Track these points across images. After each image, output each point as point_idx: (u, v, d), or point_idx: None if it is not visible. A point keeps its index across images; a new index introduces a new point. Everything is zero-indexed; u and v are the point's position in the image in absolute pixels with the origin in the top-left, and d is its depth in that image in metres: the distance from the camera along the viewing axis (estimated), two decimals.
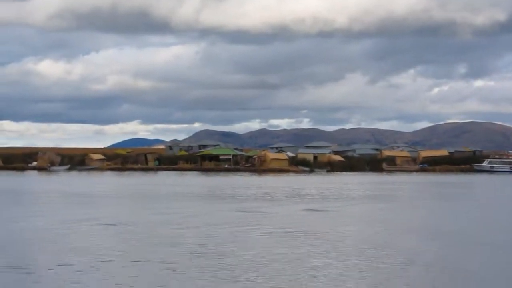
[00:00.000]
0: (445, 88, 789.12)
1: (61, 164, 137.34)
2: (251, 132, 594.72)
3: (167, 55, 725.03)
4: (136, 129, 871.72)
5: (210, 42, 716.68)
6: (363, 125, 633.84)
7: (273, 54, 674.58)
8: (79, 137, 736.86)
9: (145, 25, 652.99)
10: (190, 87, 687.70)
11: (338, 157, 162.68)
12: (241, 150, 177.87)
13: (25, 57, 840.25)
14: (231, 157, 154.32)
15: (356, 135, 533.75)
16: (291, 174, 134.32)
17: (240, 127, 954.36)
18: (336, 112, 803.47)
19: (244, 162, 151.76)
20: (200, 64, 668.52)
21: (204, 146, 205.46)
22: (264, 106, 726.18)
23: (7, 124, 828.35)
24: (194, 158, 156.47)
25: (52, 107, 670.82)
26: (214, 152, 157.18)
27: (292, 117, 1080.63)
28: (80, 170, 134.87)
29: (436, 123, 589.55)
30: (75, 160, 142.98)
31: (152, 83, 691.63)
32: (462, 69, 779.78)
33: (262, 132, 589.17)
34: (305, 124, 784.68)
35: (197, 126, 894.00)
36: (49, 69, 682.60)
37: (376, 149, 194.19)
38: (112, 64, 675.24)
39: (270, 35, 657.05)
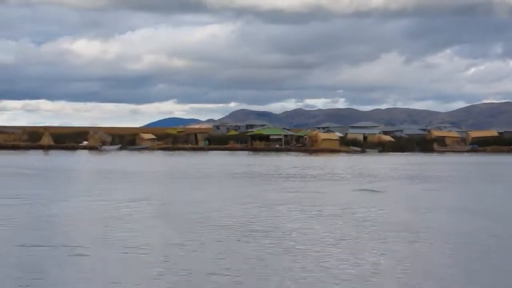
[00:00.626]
0: (481, 67, 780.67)
1: (112, 143, 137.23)
2: (286, 112, 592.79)
3: (203, 34, 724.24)
4: (171, 109, 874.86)
5: (246, 21, 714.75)
6: (399, 105, 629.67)
7: (309, 34, 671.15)
8: (115, 116, 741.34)
9: (181, 4, 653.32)
10: (226, 66, 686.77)
11: (388, 137, 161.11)
12: (288, 130, 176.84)
13: (60, 36, 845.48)
14: (281, 137, 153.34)
15: (392, 115, 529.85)
16: (342, 154, 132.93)
17: (276, 107, 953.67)
18: (372, 92, 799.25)
19: (294, 142, 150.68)
20: (235, 43, 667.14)
21: (251, 126, 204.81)
22: (300, 86, 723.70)
23: (43, 103, 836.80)
24: (244, 138, 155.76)
25: (88, 87, 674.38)
26: (265, 132, 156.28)
27: (327, 97, 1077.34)
28: (131, 149, 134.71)
29: (472, 103, 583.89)
30: (126, 139, 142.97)
31: (188, 62, 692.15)
32: (498, 48, 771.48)
33: (298, 112, 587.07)
34: (341, 104, 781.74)
35: (233, 105, 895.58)
36: (85, 48, 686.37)
37: (423, 130, 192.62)
38: (147, 43, 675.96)
39: (306, 15, 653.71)
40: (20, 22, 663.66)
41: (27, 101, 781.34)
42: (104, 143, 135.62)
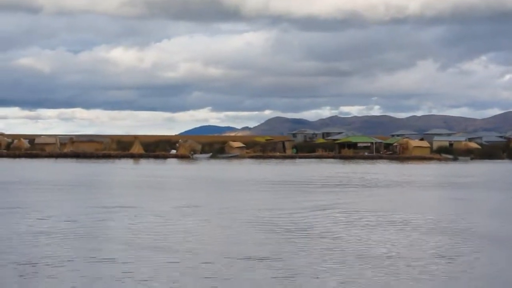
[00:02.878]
0: None
1: (202, 152, 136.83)
2: (321, 119, 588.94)
3: (238, 42, 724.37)
4: (206, 116, 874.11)
5: (281, 29, 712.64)
6: (434, 112, 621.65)
7: (344, 41, 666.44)
8: (150, 124, 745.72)
9: (216, 13, 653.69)
10: (261, 74, 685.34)
11: (475, 145, 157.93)
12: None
13: (97, 45, 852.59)
14: (369, 144, 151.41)
15: (428, 122, 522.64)
16: (434, 162, 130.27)
17: (310, 114, 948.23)
18: (407, 99, 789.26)
19: (385, 150, 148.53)
20: (271, 51, 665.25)
21: (328, 134, 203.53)
22: (335, 93, 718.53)
23: (79, 112, 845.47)
24: (332, 145, 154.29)
25: (123, 95, 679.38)
26: (353, 139, 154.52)
27: (362, 104, 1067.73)
28: (221, 158, 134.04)
29: (507, 110, 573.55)
30: (215, 147, 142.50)
31: (223, 71, 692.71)
32: None
33: (333, 119, 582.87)
34: (376, 111, 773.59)
35: (268, 113, 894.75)
36: (121, 56, 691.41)
37: (500, 137, 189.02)
38: (183, 52, 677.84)
39: (342, 22, 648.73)
40: (56, 31, 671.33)
41: (62, 110, 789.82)
42: (194, 151, 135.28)
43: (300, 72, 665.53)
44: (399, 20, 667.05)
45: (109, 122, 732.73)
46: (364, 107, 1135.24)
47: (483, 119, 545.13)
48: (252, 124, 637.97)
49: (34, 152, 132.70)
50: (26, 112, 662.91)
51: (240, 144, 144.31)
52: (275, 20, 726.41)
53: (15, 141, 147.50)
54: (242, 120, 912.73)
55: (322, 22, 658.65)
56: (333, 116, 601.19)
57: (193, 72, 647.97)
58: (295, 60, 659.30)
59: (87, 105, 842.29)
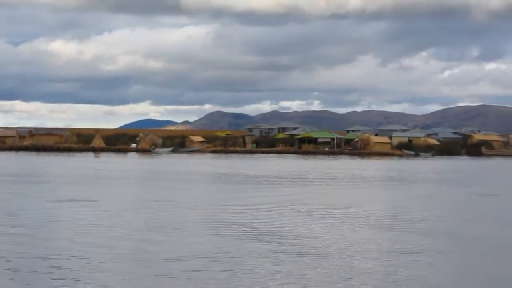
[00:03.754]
0: (456, 70, 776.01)
1: (163, 146, 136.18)
2: (262, 114, 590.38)
3: (179, 36, 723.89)
4: (146, 110, 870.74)
5: (222, 23, 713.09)
6: (374, 107, 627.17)
7: (284, 35, 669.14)
8: (90, 117, 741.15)
9: (157, 6, 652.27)
10: (201, 68, 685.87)
11: (433, 141, 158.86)
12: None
13: (37, 37, 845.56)
14: (329, 140, 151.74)
15: (368, 117, 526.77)
16: (395, 158, 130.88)
17: (251, 109, 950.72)
18: (347, 94, 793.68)
19: (346, 145, 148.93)
20: (211, 45, 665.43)
21: (284, 129, 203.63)
22: (275, 88, 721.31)
23: (18, 104, 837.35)
24: (292, 140, 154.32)
25: (64, 87, 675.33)
26: (314, 134, 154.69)
27: (302, 99, 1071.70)
28: (182, 152, 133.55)
29: (448, 106, 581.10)
30: (175, 142, 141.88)
31: (163, 64, 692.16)
32: (474, 51, 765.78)
33: (273, 114, 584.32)
34: (316, 106, 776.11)
35: (208, 107, 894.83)
36: (61, 49, 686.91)
37: (455, 133, 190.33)
38: (124, 45, 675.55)
39: (282, 16, 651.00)
40: None
41: (1, 102, 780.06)
42: (156, 145, 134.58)
43: (240, 66, 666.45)
44: (340, 15, 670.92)
45: (49, 115, 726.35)
46: (304, 102, 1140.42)
47: (423, 115, 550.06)
48: (192, 118, 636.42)
49: None
50: None
51: (200, 139, 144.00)
52: (216, 14, 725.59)
53: None
54: (182, 114, 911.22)
55: (263, 16, 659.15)
56: (273, 111, 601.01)
57: (133, 65, 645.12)
58: (236, 54, 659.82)
59: (27, 98, 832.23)
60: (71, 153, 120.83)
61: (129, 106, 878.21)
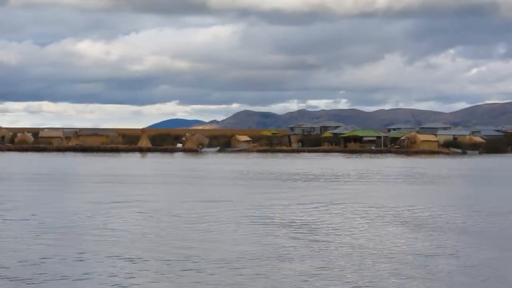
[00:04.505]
0: (483, 68, 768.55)
1: (209, 145, 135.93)
2: (290, 112, 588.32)
3: (205, 35, 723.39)
4: (174, 110, 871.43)
5: (248, 23, 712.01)
6: (401, 105, 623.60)
7: (311, 34, 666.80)
8: (117, 117, 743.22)
9: (184, 6, 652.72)
10: (228, 67, 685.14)
11: (479, 139, 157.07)
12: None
13: (64, 38, 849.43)
14: (374, 138, 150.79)
15: (396, 115, 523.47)
16: (442, 156, 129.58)
17: (278, 108, 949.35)
18: (374, 93, 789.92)
19: (392, 144, 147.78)
20: (238, 44, 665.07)
21: (326, 128, 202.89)
22: (302, 87, 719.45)
23: (46, 105, 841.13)
24: (337, 139, 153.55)
25: (91, 88, 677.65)
26: (359, 133, 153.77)
27: (330, 97, 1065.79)
28: (229, 151, 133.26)
29: (475, 104, 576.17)
30: (221, 141, 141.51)
31: (190, 64, 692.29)
32: (501, 49, 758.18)
33: (301, 113, 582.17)
34: (343, 104, 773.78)
35: (235, 106, 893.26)
36: (88, 49, 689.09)
37: (497, 131, 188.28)
38: (150, 45, 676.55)
39: (309, 15, 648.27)
40: (23, 23, 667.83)
41: (29, 103, 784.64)
42: (202, 145, 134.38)
43: (267, 66, 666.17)
44: (367, 14, 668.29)
45: (77, 115, 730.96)
46: (331, 100, 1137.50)
47: (451, 113, 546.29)
48: (220, 118, 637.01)
49: (42, 145, 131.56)
50: None
51: (246, 138, 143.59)
52: (243, 13, 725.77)
53: (19, 134, 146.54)
54: (210, 113, 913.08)
55: (289, 15, 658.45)
56: (300, 110, 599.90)
57: (160, 65, 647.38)
58: (263, 54, 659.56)
59: (54, 98, 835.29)
60: (117, 154, 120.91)
61: (156, 106, 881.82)
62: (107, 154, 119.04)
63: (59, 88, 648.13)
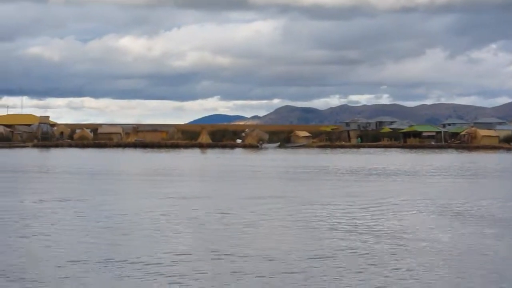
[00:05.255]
0: None
1: (269, 141, 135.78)
2: (331, 108, 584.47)
3: (247, 31, 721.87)
4: (215, 106, 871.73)
5: (289, 18, 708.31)
6: (443, 100, 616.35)
7: (353, 30, 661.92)
8: (159, 113, 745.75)
9: (225, 1, 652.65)
10: (270, 63, 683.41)
11: None
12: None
13: (106, 34, 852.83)
14: (433, 133, 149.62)
15: (438, 110, 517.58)
16: (503, 151, 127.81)
17: (319, 103, 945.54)
18: (416, 88, 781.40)
19: (453, 139, 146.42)
20: (279, 40, 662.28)
21: (381, 123, 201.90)
22: (344, 82, 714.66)
23: (87, 101, 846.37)
24: (397, 135, 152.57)
25: (132, 84, 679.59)
26: (418, 128, 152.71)
27: (371, 92, 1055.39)
28: (289, 147, 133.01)
29: None
30: (281, 137, 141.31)
31: (232, 59, 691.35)
32: None
33: (343, 108, 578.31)
34: (385, 99, 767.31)
35: (277, 102, 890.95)
36: (130, 45, 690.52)
37: None
38: (192, 40, 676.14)
39: (351, 10, 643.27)
40: (65, 20, 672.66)
41: (71, 99, 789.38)
42: (262, 141, 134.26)
43: (309, 61, 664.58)
44: (408, 8, 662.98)
45: (119, 111, 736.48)
46: (373, 95, 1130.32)
47: (493, 108, 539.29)
48: (261, 113, 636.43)
49: (102, 142, 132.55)
50: (35, 101, 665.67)
51: (306, 134, 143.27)
52: (284, 8, 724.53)
53: (78, 130, 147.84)
54: (251, 109, 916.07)
55: (331, 10, 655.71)
56: (342, 105, 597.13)
57: (202, 61, 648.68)
58: (304, 49, 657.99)
59: (96, 94, 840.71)
60: (178, 149, 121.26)
61: (198, 101, 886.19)
62: (168, 150, 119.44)
63: (101, 84, 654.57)
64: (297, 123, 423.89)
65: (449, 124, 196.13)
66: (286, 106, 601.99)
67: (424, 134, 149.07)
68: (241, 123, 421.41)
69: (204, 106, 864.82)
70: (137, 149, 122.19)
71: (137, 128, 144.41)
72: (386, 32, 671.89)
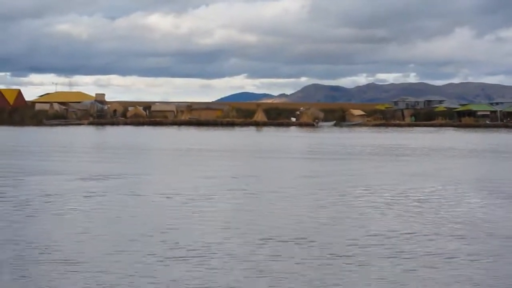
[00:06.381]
0: None
1: (324, 120, 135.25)
2: (358, 86, 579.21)
3: (274, 9, 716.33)
4: (242, 83, 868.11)
5: None
6: (470, 79, 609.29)
7: (381, 8, 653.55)
8: (186, 91, 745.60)
9: None
10: (297, 41, 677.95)
11: None
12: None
13: (134, 11, 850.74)
14: (488, 113, 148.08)
15: (466, 89, 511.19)
16: None
17: (347, 81, 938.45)
18: (443, 66, 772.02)
19: (508, 119, 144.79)
20: (307, 17, 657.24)
21: (429, 102, 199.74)
22: (371, 60, 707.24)
23: (115, 79, 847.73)
24: (451, 114, 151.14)
25: (160, 61, 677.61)
26: (474, 107, 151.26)
27: (399, 71, 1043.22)
28: (344, 126, 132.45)
29: None
30: (336, 116, 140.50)
31: (259, 37, 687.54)
32: None
33: (370, 87, 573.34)
34: (412, 78, 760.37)
35: (304, 80, 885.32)
36: (158, 23, 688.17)
37: None
38: (220, 18, 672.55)
39: None
40: None
41: (98, 76, 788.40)
42: (318, 119, 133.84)
43: (336, 39, 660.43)
44: None
45: (145, 89, 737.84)
46: (400, 74, 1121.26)
47: None
48: (288, 91, 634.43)
49: (158, 119, 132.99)
50: (62, 79, 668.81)
51: (361, 112, 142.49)
52: None
53: (130, 108, 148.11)
54: (278, 87, 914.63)
55: None
56: (369, 83, 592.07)
57: (229, 39, 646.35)
58: (332, 27, 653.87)
59: (123, 72, 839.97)
60: (233, 127, 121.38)
61: (225, 79, 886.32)
62: (223, 128, 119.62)
63: (128, 62, 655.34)
64: (325, 101, 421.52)
65: (496, 103, 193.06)
66: (314, 85, 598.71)
67: (479, 113, 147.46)
68: (269, 101, 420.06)
69: (230, 84, 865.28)
70: (192, 127, 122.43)
71: (191, 106, 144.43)
72: (414, 11, 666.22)
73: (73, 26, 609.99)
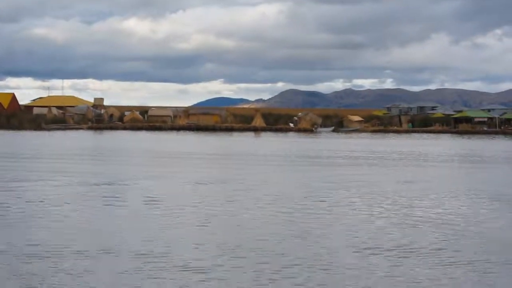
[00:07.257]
0: None
1: (322, 125, 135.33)
2: (336, 92, 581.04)
3: (252, 14, 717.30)
4: (219, 88, 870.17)
5: (295, 1, 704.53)
6: (447, 85, 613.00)
7: (358, 14, 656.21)
8: (162, 95, 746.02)
9: None
10: (274, 46, 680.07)
11: None
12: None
13: (111, 16, 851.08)
14: (485, 119, 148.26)
15: (442, 95, 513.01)
16: None
17: (323, 87, 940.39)
18: (420, 73, 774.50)
19: (506, 125, 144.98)
20: (284, 23, 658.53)
21: (422, 108, 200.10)
22: (348, 66, 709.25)
23: (91, 83, 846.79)
24: (448, 120, 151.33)
25: (136, 66, 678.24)
26: (471, 114, 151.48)
27: (375, 77, 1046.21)
28: (342, 131, 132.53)
29: None
30: (333, 121, 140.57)
31: (236, 42, 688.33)
32: None
33: (347, 92, 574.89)
34: (388, 84, 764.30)
35: (281, 85, 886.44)
36: (135, 27, 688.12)
37: None
38: (196, 23, 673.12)
39: None
40: (71, 1, 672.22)
41: (75, 80, 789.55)
42: (316, 125, 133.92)
43: (313, 45, 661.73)
44: None
45: (122, 93, 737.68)
46: (377, 80, 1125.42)
47: (498, 93, 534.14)
48: (265, 96, 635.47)
49: (157, 124, 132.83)
50: (39, 83, 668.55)
51: (359, 118, 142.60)
52: None
53: (127, 113, 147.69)
54: (255, 92, 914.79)
55: None
56: (346, 89, 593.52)
57: (206, 44, 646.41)
58: (309, 33, 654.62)
59: (100, 76, 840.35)
60: (231, 133, 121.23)
61: (202, 84, 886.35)
62: (222, 133, 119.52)
63: (105, 66, 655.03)
64: (302, 106, 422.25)
65: (488, 110, 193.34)
66: (291, 90, 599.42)
67: (476, 119, 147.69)
68: (246, 106, 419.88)
69: (207, 89, 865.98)
70: (191, 132, 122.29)
71: (188, 111, 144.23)
72: (391, 17, 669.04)
73: (50, 30, 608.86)
